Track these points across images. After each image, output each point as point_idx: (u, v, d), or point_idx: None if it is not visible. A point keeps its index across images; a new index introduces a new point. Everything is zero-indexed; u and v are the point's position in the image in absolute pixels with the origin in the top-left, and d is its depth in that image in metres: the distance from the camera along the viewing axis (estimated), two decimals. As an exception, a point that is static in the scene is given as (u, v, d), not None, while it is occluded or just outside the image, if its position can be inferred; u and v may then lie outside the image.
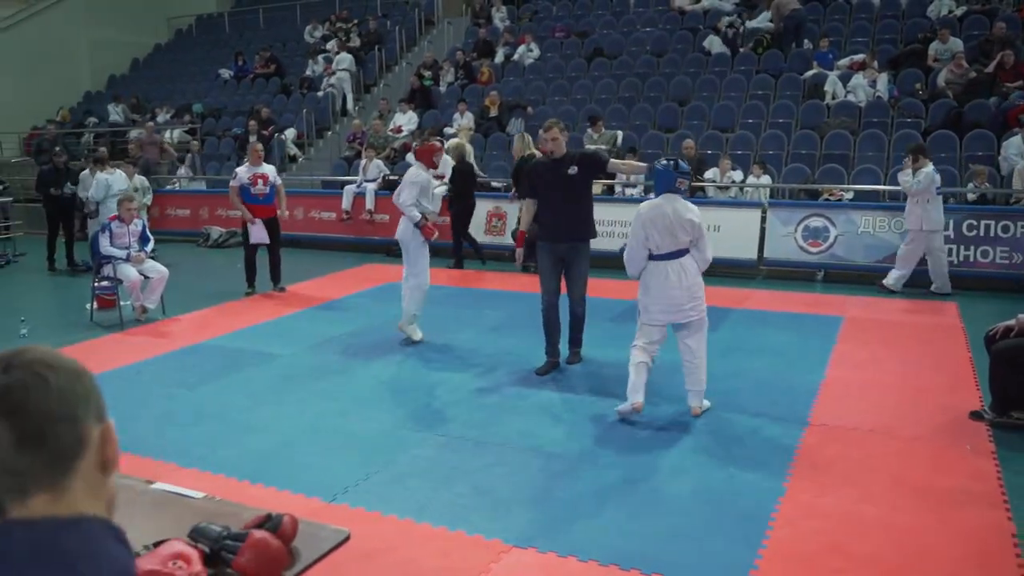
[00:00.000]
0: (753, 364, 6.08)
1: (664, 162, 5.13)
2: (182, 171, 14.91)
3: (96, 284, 7.93)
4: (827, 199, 9.82)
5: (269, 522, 2.19)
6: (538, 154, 11.60)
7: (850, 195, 9.88)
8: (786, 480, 4.13)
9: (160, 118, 16.62)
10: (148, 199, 12.08)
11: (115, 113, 16.86)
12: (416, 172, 6.84)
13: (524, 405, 5.32)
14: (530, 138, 11.50)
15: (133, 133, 16.29)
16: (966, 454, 4.44)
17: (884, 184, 9.95)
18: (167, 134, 15.86)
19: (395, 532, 3.70)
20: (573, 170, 5.79)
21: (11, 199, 12.53)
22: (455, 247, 10.50)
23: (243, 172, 8.80)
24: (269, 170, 8.91)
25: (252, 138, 13.18)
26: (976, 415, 4.90)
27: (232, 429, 5.00)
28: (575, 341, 6.21)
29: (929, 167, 8.28)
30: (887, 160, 10.42)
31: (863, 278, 9.12)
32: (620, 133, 11.90)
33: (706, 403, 5.12)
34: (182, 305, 8.55)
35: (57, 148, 11.88)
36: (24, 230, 13.01)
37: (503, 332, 7.16)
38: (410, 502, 3.97)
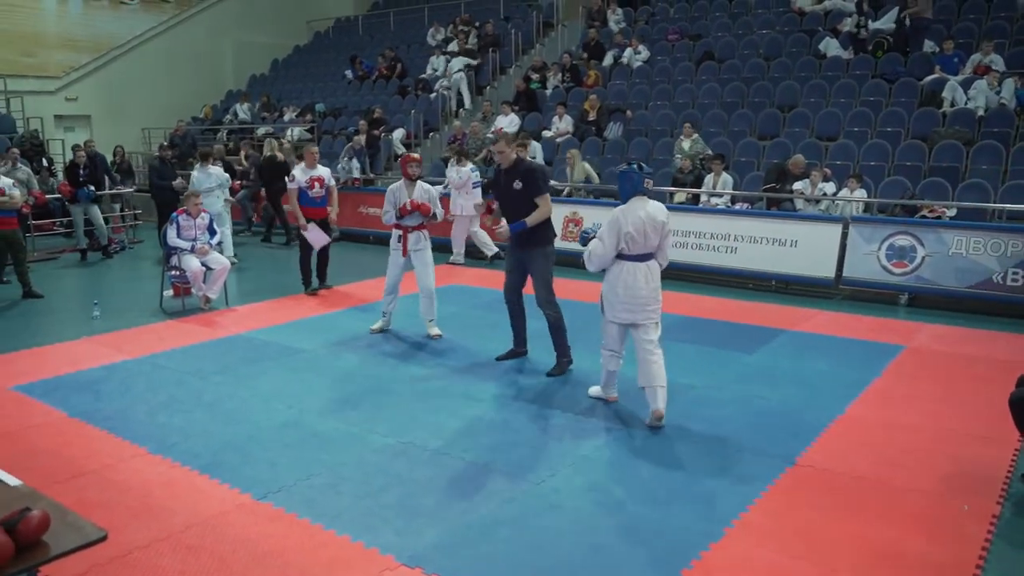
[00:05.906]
0: (769, 393, 5.61)
1: (625, 165, 5.07)
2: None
3: (169, 273, 8.43)
4: (924, 216, 8.91)
5: (16, 517, 2.22)
6: (279, 156, 12.24)
7: (952, 212, 8.93)
8: (730, 525, 3.77)
9: (287, 117, 17.57)
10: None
11: (242, 112, 17.96)
12: (397, 184, 7.19)
13: (504, 420, 5.17)
14: (275, 143, 12.36)
15: (260, 130, 17.31)
16: (959, 515, 3.88)
17: (995, 202, 8.93)
18: (288, 132, 16.71)
19: (298, 537, 3.68)
20: (518, 184, 5.89)
21: (133, 189, 13.59)
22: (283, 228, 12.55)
23: (300, 175, 8.80)
24: (324, 173, 8.92)
25: (312, 144, 13.49)
26: None
27: (214, 419, 5.16)
28: None
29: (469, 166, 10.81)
30: (1003, 175, 9.35)
31: (961, 305, 8.25)
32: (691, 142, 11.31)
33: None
34: (251, 296, 8.97)
35: (165, 143, 12.74)
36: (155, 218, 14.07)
37: (536, 341, 6.98)
38: (331, 508, 3.95)
